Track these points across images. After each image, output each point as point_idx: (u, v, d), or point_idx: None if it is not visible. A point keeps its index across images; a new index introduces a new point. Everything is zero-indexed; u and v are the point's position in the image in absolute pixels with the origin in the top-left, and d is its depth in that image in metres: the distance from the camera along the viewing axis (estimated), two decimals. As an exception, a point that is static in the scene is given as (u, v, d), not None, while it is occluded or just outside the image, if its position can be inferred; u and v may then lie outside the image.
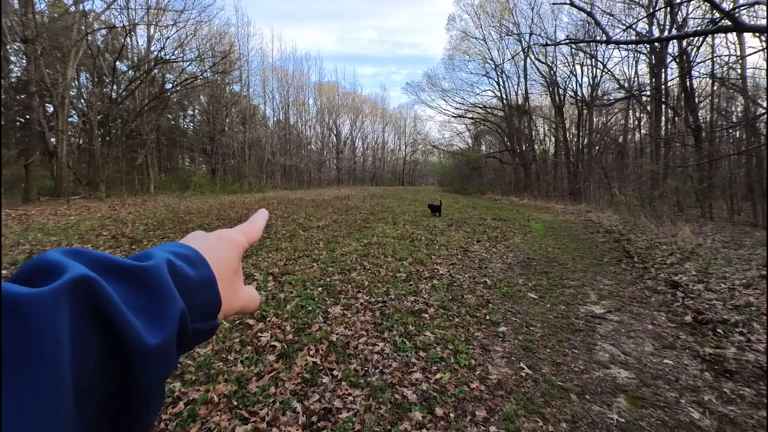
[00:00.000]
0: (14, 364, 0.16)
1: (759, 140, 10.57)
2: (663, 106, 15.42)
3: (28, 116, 13.47)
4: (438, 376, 2.19)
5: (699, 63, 13.57)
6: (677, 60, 14.06)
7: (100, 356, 0.19)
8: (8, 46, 13.53)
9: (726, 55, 12.88)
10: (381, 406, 1.91)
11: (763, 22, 6.65)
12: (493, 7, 24.52)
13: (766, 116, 9.43)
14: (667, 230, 7.34)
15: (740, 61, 11.58)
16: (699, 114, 14.29)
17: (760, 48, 10.42)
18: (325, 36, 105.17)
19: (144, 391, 0.21)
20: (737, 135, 14.03)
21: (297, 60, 57.49)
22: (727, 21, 3.23)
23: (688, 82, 13.21)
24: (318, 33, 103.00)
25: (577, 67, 20.73)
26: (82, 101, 16.10)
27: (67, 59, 13.27)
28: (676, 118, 15.40)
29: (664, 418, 1.88)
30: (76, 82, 15.97)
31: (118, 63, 16.07)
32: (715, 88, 13.93)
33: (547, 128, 26.24)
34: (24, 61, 13.58)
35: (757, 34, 9.46)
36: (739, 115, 14.25)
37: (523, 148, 24.82)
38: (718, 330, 2.93)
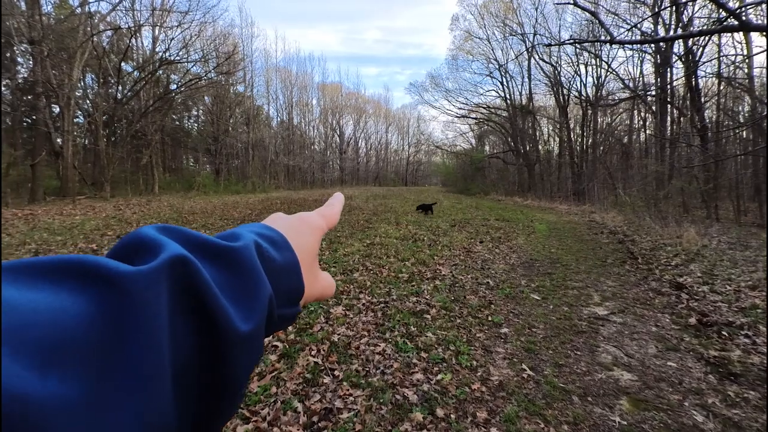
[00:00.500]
0: (114, 342, 0.15)
1: (766, 141, 10.46)
2: (668, 106, 15.30)
3: (34, 117, 13.60)
4: (439, 377, 2.19)
5: (705, 62, 13.47)
6: (683, 59, 13.96)
7: (192, 339, 0.19)
8: (15, 48, 13.69)
9: (733, 55, 12.78)
10: (382, 406, 1.91)
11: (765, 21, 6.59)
12: (496, 7, 24.49)
13: (766, 116, 9.32)
14: (672, 231, 7.28)
15: (747, 61, 11.47)
16: (705, 114, 14.17)
17: (764, 48, 10.30)
18: (330, 36, 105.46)
19: (233, 376, 0.21)
20: (744, 135, 13.90)
21: (300, 60, 57.68)
22: (733, 20, 3.21)
23: (693, 82, 13.11)
24: (323, 34, 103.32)
25: (582, 67, 20.64)
26: (88, 102, 16.26)
27: (73, 60, 13.39)
28: (682, 118, 15.28)
29: (667, 420, 1.87)
30: (82, 83, 16.11)
31: (123, 64, 16.21)
32: (721, 87, 13.81)
33: (551, 128, 26.14)
34: (31, 62, 13.72)
35: (765, 34, 9.37)
36: (746, 115, 14.12)
37: (527, 148, 24.73)
38: (723, 332, 2.90)
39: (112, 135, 16.42)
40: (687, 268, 4.78)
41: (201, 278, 0.20)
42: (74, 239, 5.85)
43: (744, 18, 3.02)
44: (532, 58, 23.09)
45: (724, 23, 3.76)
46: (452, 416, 1.86)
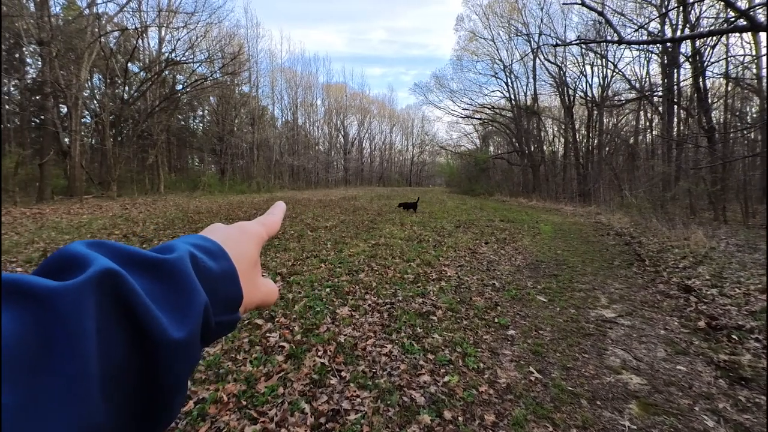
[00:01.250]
0: (42, 356, 0.16)
1: (765, 142, 10.34)
2: (675, 106, 15.17)
3: (43, 117, 13.74)
4: (446, 378, 2.18)
5: (713, 63, 13.33)
6: (690, 60, 13.83)
7: (125, 350, 0.19)
8: (24, 49, 13.85)
9: (741, 55, 12.65)
10: (389, 408, 1.91)
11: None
12: (502, 7, 24.40)
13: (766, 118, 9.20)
14: (679, 233, 7.22)
15: (756, 61, 11.34)
16: (712, 115, 14.03)
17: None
18: (335, 37, 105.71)
19: (169, 384, 0.21)
20: (752, 136, 13.74)
21: (305, 61, 57.86)
22: (742, 20, 3.17)
23: (701, 83, 12.98)
24: (328, 34, 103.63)
25: (588, 68, 20.51)
26: (95, 102, 16.40)
27: (81, 61, 13.52)
28: (689, 119, 15.14)
29: (678, 425, 1.85)
30: (89, 84, 16.25)
31: (129, 64, 16.34)
32: (729, 88, 13.67)
33: (556, 129, 26.00)
34: (39, 63, 13.87)
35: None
36: (755, 116, 13.97)
37: (532, 149, 24.62)
38: (733, 336, 2.87)
39: (118, 135, 16.57)
40: (695, 271, 4.73)
41: (130, 289, 0.20)
42: (81, 238, 5.89)
43: (754, 18, 2.98)
44: (537, 59, 23.00)
45: (734, 23, 3.72)
46: (460, 419, 1.85)
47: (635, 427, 1.83)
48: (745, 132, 12.87)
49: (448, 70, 49.93)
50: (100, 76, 17.86)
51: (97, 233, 6.38)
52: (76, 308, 0.18)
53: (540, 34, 21.83)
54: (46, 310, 0.17)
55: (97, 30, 14.33)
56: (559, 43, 14.56)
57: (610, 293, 3.93)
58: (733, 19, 3.78)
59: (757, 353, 2.62)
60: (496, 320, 3.09)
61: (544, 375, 2.28)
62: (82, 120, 15.45)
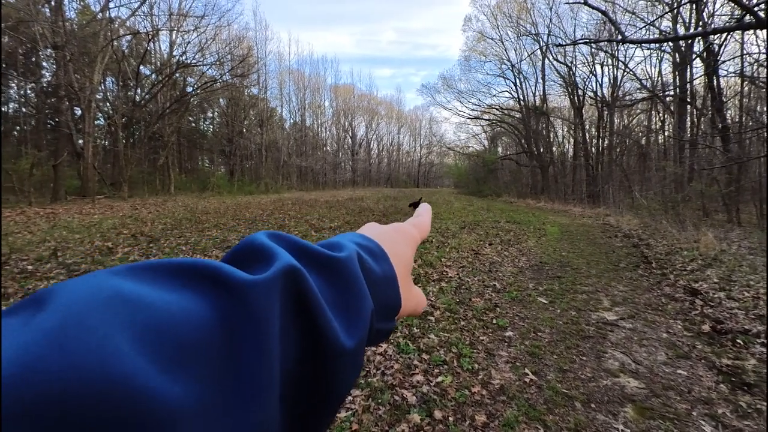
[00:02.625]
0: (230, 351, 0.15)
1: (766, 142, 10.08)
2: (688, 106, 14.88)
3: (57, 119, 14.09)
4: (439, 379, 2.18)
5: (726, 61, 13.05)
6: (702, 58, 13.55)
7: (298, 351, 0.19)
8: (40, 53, 14.22)
9: (756, 53, 12.34)
10: (380, 407, 1.91)
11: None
12: (510, 7, 24.23)
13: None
14: (689, 235, 7.07)
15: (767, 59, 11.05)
16: (726, 114, 13.72)
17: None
18: (345, 38, 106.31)
19: (334, 391, 0.20)
20: (766, 136, 13.39)
21: (313, 62, 58.22)
22: (750, 17, 3.10)
23: (714, 81, 12.71)
24: (339, 36, 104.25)
25: (597, 67, 20.24)
26: (108, 104, 16.76)
27: (94, 64, 13.83)
28: (702, 119, 14.83)
29: (673, 430, 1.81)
30: (102, 86, 16.63)
31: (141, 67, 16.68)
32: (744, 87, 13.36)
33: (566, 130, 25.71)
34: (54, 66, 14.24)
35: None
36: (765, 115, 13.61)
37: (541, 150, 24.38)
38: (738, 341, 2.80)
39: (130, 136, 16.91)
40: (703, 274, 4.63)
41: (310, 290, 0.19)
42: (91, 237, 6.03)
43: (760, 15, 2.91)
44: (546, 59, 22.79)
45: (742, 21, 3.64)
46: (450, 419, 1.84)
47: (629, 430, 1.80)
48: (760, 131, 12.55)
49: (456, 70, 49.87)
50: (113, 79, 18.25)
51: (107, 232, 6.51)
52: (265, 303, 0.17)
53: (549, 34, 21.64)
54: (238, 301, 0.16)
55: (109, 34, 14.65)
56: (565, 42, 14.40)
57: (613, 296, 3.87)
58: (741, 16, 3.70)
59: (762, 358, 2.55)
60: (494, 321, 3.07)
61: (540, 377, 2.26)
62: (96, 122, 15.80)
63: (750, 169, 12.40)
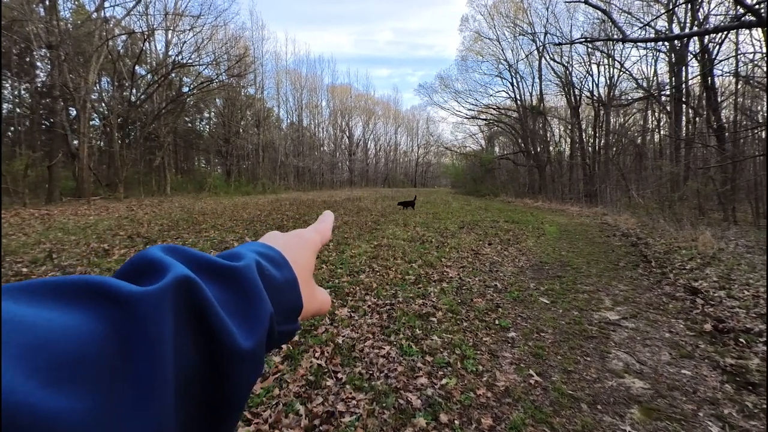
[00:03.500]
0: (121, 361, 0.16)
1: (765, 142, 10.15)
2: (683, 105, 14.96)
3: (52, 120, 13.95)
4: (444, 381, 2.15)
5: (721, 61, 13.12)
6: (698, 58, 13.62)
7: (195, 358, 0.19)
8: (34, 52, 14.07)
9: (751, 53, 12.42)
10: (384, 410, 1.88)
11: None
12: (506, 7, 24.28)
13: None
14: (687, 234, 7.10)
15: (766, 58, 11.12)
16: (722, 114, 13.80)
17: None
18: (343, 38, 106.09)
19: (234, 392, 0.21)
20: (763, 135, 13.49)
21: (310, 62, 58.06)
22: (750, 16, 3.10)
23: (709, 81, 12.78)
24: (336, 36, 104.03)
25: (594, 67, 20.32)
26: (103, 105, 16.61)
27: (89, 64, 13.70)
28: (697, 118, 14.92)
29: (681, 431, 1.80)
30: (98, 87, 16.48)
31: (137, 67, 16.53)
32: (739, 86, 13.44)
33: (562, 129, 25.78)
34: (49, 66, 14.09)
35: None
36: (765, 114, 13.70)
37: (538, 149, 24.44)
38: (741, 339, 2.80)
39: (126, 137, 16.76)
40: (702, 272, 4.64)
41: (204, 297, 0.20)
42: (87, 239, 5.95)
43: (761, 14, 2.92)
44: (542, 58, 22.84)
45: (741, 19, 3.65)
46: (456, 422, 1.82)
47: (636, 432, 1.79)
48: (755, 131, 12.63)
49: (453, 70, 49.87)
50: (108, 79, 18.10)
51: (103, 234, 6.44)
52: (156, 314, 0.17)
53: (546, 34, 21.69)
54: (127, 315, 0.17)
55: (104, 34, 14.52)
56: (563, 42, 14.44)
57: (614, 295, 3.86)
58: (741, 16, 3.70)
59: (766, 357, 2.55)
60: (496, 322, 3.05)
61: (544, 378, 2.24)
62: (91, 122, 15.67)
63: (745, 168, 12.48)
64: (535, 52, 22.98)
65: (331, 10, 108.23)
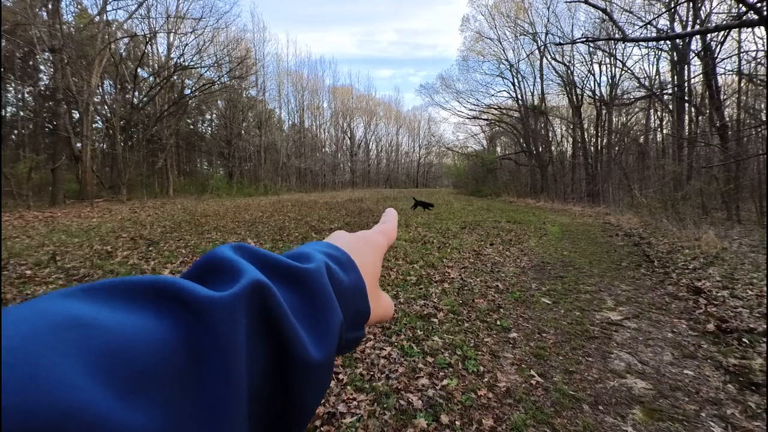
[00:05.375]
0: (194, 372, 0.15)
1: (766, 142, 10.09)
2: (686, 104, 14.89)
3: (55, 123, 14.05)
4: (445, 382, 2.15)
5: (724, 59, 13.06)
6: (700, 56, 13.57)
7: (266, 368, 0.18)
8: (38, 56, 14.17)
9: (754, 51, 12.36)
10: (386, 411, 1.89)
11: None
12: (507, 7, 24.25)
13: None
14: (690, 233, 7.06)
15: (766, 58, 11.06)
16: (725, 112, 13.72)
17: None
18: (345, 39, 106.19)
19: (303, 405, 0.20)
20: (766, 134, 13.41)
21: (312, 64, 58.18)
22: (752, 14, 3.09)
23: (712, 79, 12.72)
24: (339, 36, 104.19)
25: (596, 66, 20.25)
26: (106, 107, 16.71)
27: (92, 67, 13.79)
28: (700, 117, 14.85)
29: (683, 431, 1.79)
30: (100, 89, 16.57)
31: (139, 70, 16.63)
32: (742, 85, 13.37)
33: (564, 129, 25.72)
34: (52, 69, 14.19)
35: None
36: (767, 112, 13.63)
37: (540, 149, 24.38)
38: (744, 339, 2.78)
39: (128, 139, 16.86)
40: (705, 272, 4.62)
41: (278, 305, 0.19)
42: (90, 241, 5.99)
43: (764, 12, 2.91)
44: (544, 58, 22.80)
45: (743, 18, 3.63)
46: (457, 423, 1.82)
47: (638, 433, 1.78)
48: (759, 129, 12.55)
49: (454, 70, 49.84)
50: (111, 82, 18.21)
51: (106, 236, 6.47)
52: (230, 323, 0.16)
53: (546, 34, 21.66)
54: (200, 323, 0.16)
55: (107, 37, 14.62)
56: (563, 42, 14.41)
57: (616, 295, 3.85)
58: (743, 14, 3.69)
59: (769, 357, 2.53)
60: (498, 323, 3.05)
61: (546, 379, 2.23)
62: (94, 125, 15.76)
63: (749, 166, 12.40)
64: (536, 51, 22.95)
65: (332, 11, 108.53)
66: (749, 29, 11.28)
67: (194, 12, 17.77)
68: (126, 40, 16.91)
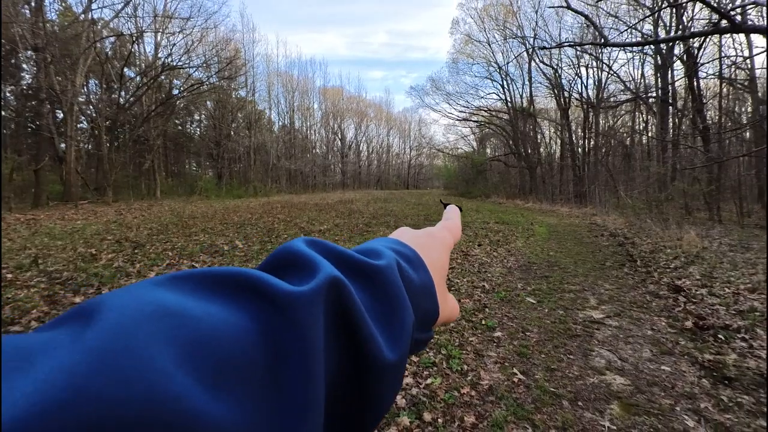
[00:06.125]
0: (274, 369, 0.15)
1: (766, 142, 10.41)
2: (670, 107, 15.25)
3: (38, 123, 13.75)
4: (429, 381, 2.18)
5: (705, 64, 13.43)
6: (683, 61, 13.93)
7: (340, 365, 0.18)
8: (20, 54, 13.86)
9: (734, 56, 12.74)
10: (369, 411, 1.90)
11: (764, 22, 6.55)
12: (496, 11, 24.55)
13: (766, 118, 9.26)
14: (672, 233, 7.24)
15: (747, 61, 11.42)
16: (706, 115, 14.10)
17: (764, 48, 10.30)
18: (338, 40, 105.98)
19: (375, 404, 0.20)
20: (747, 136, 13.81)
21: (302, 65, 58.06)
22: (725, 22, 3.20)
23: (695, 83, 13.06)
24: (333, 37, 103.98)
25: (583, 69, 20.62)
26: (91, 107, 16.41)
27: (77, 66, 13.54)
28: (683, 120, 15.22)
29: (658, 426, 1.85)
30: (85, 89, 16.28)
31: (125, 69, 16.38)
32: (723, 88, 13.75)
33: (552, 131, 26.09)
34: (35, 68, 13.90)
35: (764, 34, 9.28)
36: (748, 115, 14.05)
37: (529, 151, 24.69)
38: (720, 336, 2.87)
39: (114, 140, 16.56)
40: (686, 271, 4.74)
41: (353, 302, 0.19)
42: (74, 244, 5.88)
43: (735, 20, 3.01)
44: (532, 61, 23.11)
45: (718, 24, 3.75)
46: (440, 420, 1.84)
47: (615, 427, 1.83)
48: (739, 132, 12.93)
49: (444, 72, 50.17)
50: (96, 82, 17.89)
51: (90, 239, 6.36)
52: (311, 318, 0.16)
53: (535, 37, 21.96)
54: (280, 316, 0.16)
55: (92, 35, 14.37)
56: (548, 46, 14.66)
57: (599, 294, 3.93)
58: (717, 21, 3.81)
59: (743, 353, 2.62)
60: (483, 322, 3.09)
61: (528, 376, 2.28)
62: (78, 125, 15.47)
63: (730, 168, 12.75)
64: (525, 54, 23.26)
65: (324, 12, 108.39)
66: (730, 36, 11.61)
67: (182, 11, 17.61)
68: (112, 39, 16.65)
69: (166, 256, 5.12)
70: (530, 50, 22.42)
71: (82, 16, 14.66)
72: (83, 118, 16.06)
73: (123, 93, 16.67)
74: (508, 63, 25.26)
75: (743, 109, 15.67)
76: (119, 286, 3.98)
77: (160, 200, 15.65)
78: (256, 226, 8.10)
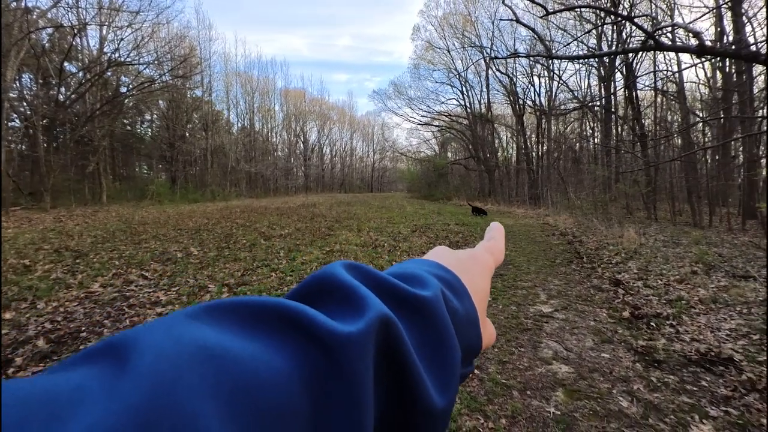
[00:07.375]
0: (318, 416, 0.14)
1: (693, 147, 11.56)
2: (612, 115, 16.53)
3: (-40, 120, 12.34)
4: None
5: (642, 76, 14.69)
6: (622, 73, 15.16)
7: (385, 410, 0.17)
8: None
9: (665, 70, 14.06)
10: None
11: (691, 41, 7.32)
12: (455, 19, 25.40)
13: (701, 125, 10.36)
14: (615, 232, 7.84)
15: (675, 75, 12.64)
16: (644, 123, 15.44)
17: (691, 64, 11.47)
18: (299, 41, 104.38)
19: None
20: (678, 142, 15.26)
21: (262, 65, 56.66)
22: (651, 41, 3.57)
23: (633, 94, 14.27)
24: (292, 38, 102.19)
25: (536, 79, 21.85)
26: (25, 104, 15.00)
27: (7, 59, 12.34)
28: (624, 127, 16.54)
29: (596, 408, 2.00)
30: (18, 84, 14.86)
31: (66, 64, 15.16)
32: (657, 99, 15.13)
33: (509, 136, 27.33)
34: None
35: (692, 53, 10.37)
36: (679, 123, 15.53)
37: (487, 155, 25.69)
38: (652, 323, 3.16)
39: (53, 140, 15.25)
40: (625, 266, 5.16)
41: (403, 343, 0.17)
42: (5, 254, 5.35)
43: (658, 39, 3.38)
44: (489, 69, 24.13)
45: (646, 43, 4.16)
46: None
47: (559, 412, 1.96)
48: (670, 138, 14.26)
49: (407, 77, 51.06)
50: (31, 76, 16.39)
51: (23, 249, 5.82)
52: (361, 362, 0.15)
53: (491, 47, 22.94)
54: (331, 360, 0.14)
55: (26, 25, 13.17)
56: (500, 56, 15.36)
57: (549, 290, 4.18)
58: (645, 39, 4.21)
59: (671, 337, 2.90)
60: (441, 320, 3.18)
61: (481, 370, 2.38)
62: (10, 123, 14.10)
63: (665, 171, 14.00)
64: (482, 62, 24.23)
65: (284, 12, 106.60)
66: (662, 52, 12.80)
67: (131, 5, 16.60)
68: (49, 30, 15.35)
69: (113, 266, 4.80)
70: (487, 59, 23.40)
71: (14, 3, 13.40)
72: (15, 115, 14.64)
73: (63, 89, 15.41)
74: (466, 70, 26.21)
75: (675, 118, 17.30)
76: (57, 300, 3.68)
77: (107, 205, 14.60)
78: (212, 231, 7.78)
